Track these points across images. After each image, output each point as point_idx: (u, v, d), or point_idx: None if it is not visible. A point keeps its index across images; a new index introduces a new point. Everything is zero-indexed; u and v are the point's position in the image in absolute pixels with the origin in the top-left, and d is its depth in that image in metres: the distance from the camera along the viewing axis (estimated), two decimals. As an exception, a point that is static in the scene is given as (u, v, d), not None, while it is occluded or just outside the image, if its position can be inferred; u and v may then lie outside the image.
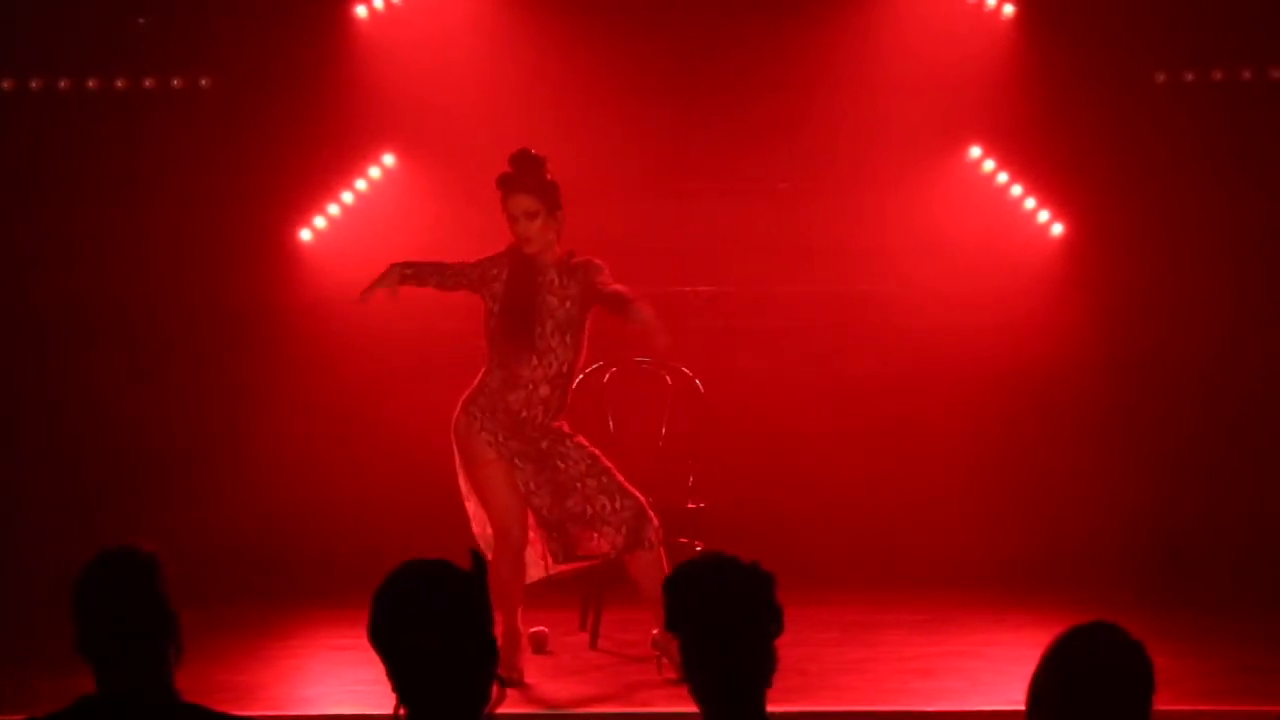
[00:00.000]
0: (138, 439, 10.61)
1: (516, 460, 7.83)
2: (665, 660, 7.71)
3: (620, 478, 7.85)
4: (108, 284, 10.79)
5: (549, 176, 7.96)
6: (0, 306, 10.80)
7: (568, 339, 7.86)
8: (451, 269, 8.04)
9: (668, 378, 9.03)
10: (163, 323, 10.77)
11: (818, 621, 8.84)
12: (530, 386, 7.84)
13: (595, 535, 7.80)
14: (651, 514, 7.81)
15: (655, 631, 7.85)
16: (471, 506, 8.01)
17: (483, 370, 7.94)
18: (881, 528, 10.44)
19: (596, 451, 7.91)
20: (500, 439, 7.83)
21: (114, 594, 4.08)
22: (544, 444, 7.85)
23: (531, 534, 7.91)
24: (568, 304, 7.85)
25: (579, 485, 7.81)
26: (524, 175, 7.92)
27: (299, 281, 10.91)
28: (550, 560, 7.93)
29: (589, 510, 7.77)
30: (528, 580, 7.91)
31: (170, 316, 10.78)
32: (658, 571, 7.67)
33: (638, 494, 7.84)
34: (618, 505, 7.77)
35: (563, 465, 7.84)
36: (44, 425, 10.71)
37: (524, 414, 7.84)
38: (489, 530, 7.93)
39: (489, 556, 7.78)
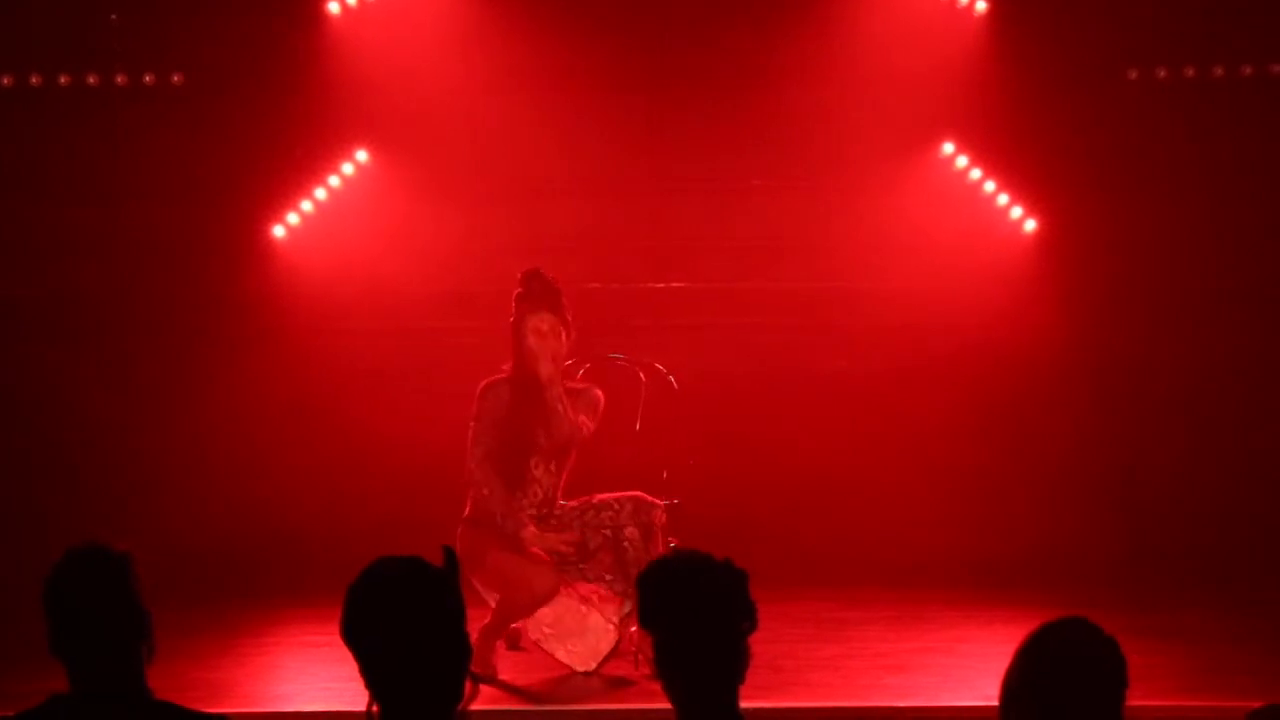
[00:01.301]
0: (108, 436, 10.59)
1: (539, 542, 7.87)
2: (642, 656, 7.72)
3: (605, 497, 7.93)
4: (79, 280, 10.76)
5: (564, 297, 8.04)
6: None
7: (552, 467, 7.96)
8: (498, 432, 7.90)
9: (641, 374, 9.03)
10: (134, 319, 10.74)
11: (791, 618, 8.84)
12: (533, 485, 7.95)
13: (625, 545, 7.82)
14: (648, 498, 7.92)
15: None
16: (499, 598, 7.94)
17: (469, 495, 7.90)
18: (855, 524, 10.44)
19: (591, 498, 7.97)
20: (502, 537, 7.83)
21: (85, 593, 4.07)
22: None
23: (580, 621, 7.89)
24: (566, 427, 7.87)
25: (576, 522, 7.89)
26: (547, 293, 7.99)
27: (272, 278, 10.89)
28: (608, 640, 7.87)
29: (602, 534, 7.84)
30: (580, 668, 7.86)
31: (142, 312, 10.75)
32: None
33: (628, 493, 7.93)
34: (615, 505, 7.86)
35: (555, 520, 7.91)
36: (14, 422, 10.67)
37: (536, 513, 7.91)
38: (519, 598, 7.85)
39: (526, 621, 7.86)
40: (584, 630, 7.86)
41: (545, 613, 7.85)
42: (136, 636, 4.09)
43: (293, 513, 10.52)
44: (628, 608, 7.71)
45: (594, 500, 7.93)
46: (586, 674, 7.80)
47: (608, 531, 7.83)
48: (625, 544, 7.79)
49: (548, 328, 7.95)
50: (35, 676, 4.37)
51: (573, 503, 7.96)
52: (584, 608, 7.86)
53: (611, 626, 7.81)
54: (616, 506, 7.86)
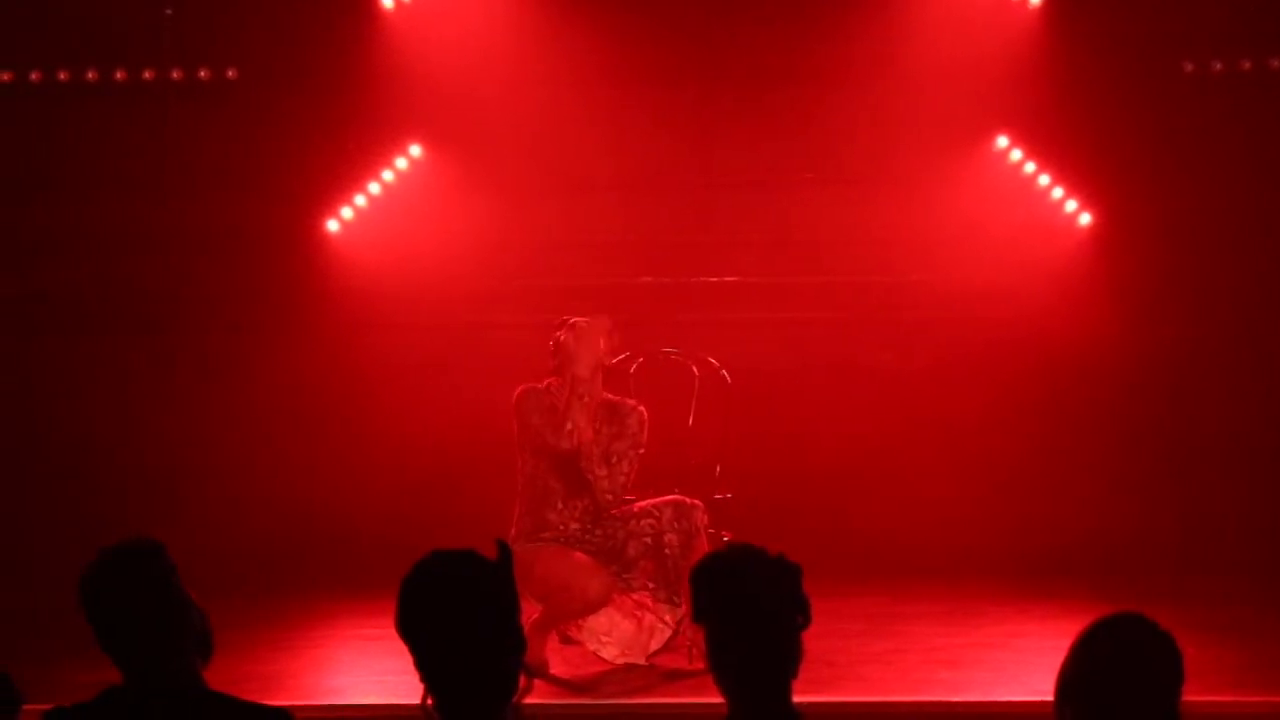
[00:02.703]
0: (163, 429, 10.62)
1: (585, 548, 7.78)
2: (695, 650, 7.71)
3: (645, 504, 7.83)
4: (133, 275, 10.80)
5: None
6: (27, 297, 10.81)
7: (612, 464, 7.82)
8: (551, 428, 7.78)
9: (694, 368, 9.02)
10: (187, 312, 10.78)
11: (844, 613, 8.82)
12: (560, 526, 7.77)
13: (663, 550, 7.76)
14: (688, 500, 7.84)
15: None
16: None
17: (518, 501, 7.83)
18: (907, 518, 10.41)
19: (632, 505, 7.86)
20: (546, 539, 7.75)
21: (121, 588, 4.08)
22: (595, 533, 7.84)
23: (635, 623, 7.84)
24: (614, 443, 7.79)
25: (620, 532, 7.79)
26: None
27: (326, 272, 10.92)
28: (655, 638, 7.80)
29: (643, 540, 7.75)
30: (620, 660, 7.82)
31: (195, 306, 10.79)
32: None
33: (667, 498, 7.85)
34: (655, 511, 7.76)
35: (601, 532, 7.79)
36: (70, 414, 10.72)
37: (562, 527, 7.78)
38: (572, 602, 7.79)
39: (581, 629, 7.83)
40: (639, 630, 7.82)
41: (600, 621, 7.81)
42: (179, 626, 4.10)
43: (344, 506, 10.55)
44: (679, 609, 7.68)
45: (635, 508, 7.83)
46: (637, 667, 7.77)
47: (648, 539, 7.76)
48: (665, 551, 7.72)
49: (590, 325, 7.81)
50: (91, 668, 4.39)
51: (615, 512, 7.87)
52: (638, 612, 7.82)
53: (664, 624, 7.79)
54: (656, 513, 7.74)
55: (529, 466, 7.78)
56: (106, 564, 4.11)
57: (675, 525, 7.72)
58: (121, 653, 4.09)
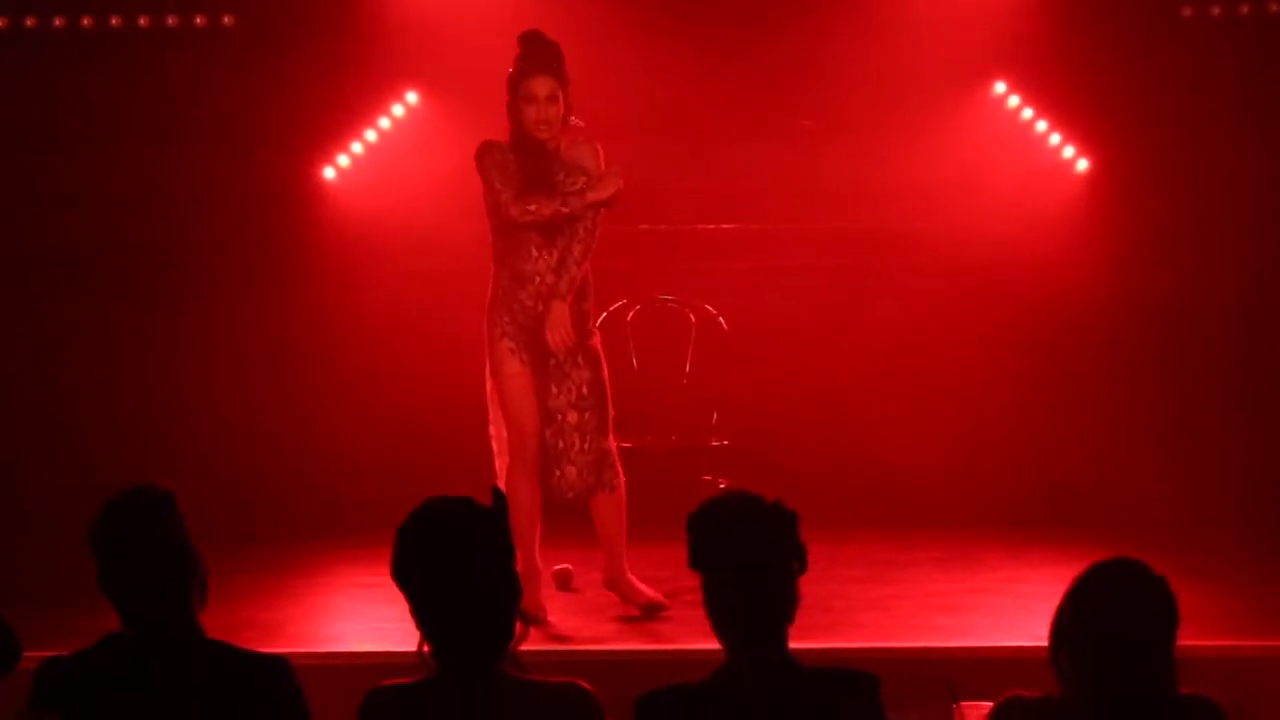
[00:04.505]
0: (162, 378, 10.62)
1: (530, 368, 7.70)
2: (627, 598, 7.72)
3: (607, 419, 7.74)
4: (130, 223, 10.77)
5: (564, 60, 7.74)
6: (24, 248, 10.79)
7: (552, 256, 7.69)
8: (517, 184, 7.64)
9: (691, 315, 9.03)
10: (184, 260, 10.76)
11: (841, 559, 8.84)
12: (536, 280, 7.70)
13: (558, 473, 7.73)
14: (616, 459, 7.77)
15: (616, 574, 7.85)
16: (493, 429, 7.94)
17: (492, 271, 7.80)
18: (906, 465, 10.42)
19: (603, 387, 7.76)
20: (518, 347, 7.71)
21: (130, 533, 4.10)
22: (552, 362, 7.71)
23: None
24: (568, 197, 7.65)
25: (559, 417, 7.72)
26: (547, 56, 7.69)
27: (323, 219, 10.90)
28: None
29: (559, 444, 7.70)
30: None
31: (192, 255, 10.77)
32: (617, 515, 7.75)
33: (611, 441, 7.78)
34: (586, 446, 7.70)
35: (555, 390, 7.72)
36: (66, 363, 10.71)
37: (539, 309, 7.68)
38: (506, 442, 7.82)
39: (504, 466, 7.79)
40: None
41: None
42: (184, 574, 4.12)
43: (342, 453, 10.56)
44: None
45: (591, 399, 7.68)
46: (634, 617, 7.74)
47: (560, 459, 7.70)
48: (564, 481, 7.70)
49: (546, 93, 7.64)
50: (90, 615, 4.40)
51: (595, 369, 7.72)
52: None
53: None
54: (585, 447, 7.66)
55: (509, 199, 7.65)
56: (117, 510, 4.12)
57: (589, 467, 7.68)
58: (126, 599, 4.10)
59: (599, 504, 7.80)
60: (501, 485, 7.76)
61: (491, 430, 7.90)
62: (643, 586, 7.79)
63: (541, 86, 7.67)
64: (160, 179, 10.76)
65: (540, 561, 7.90)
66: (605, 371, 7.84)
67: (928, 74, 10.77)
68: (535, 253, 7.70)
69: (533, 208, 7.59)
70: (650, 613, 7.68)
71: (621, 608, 7.88)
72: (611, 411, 7.81)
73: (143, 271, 10.73)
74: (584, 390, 7.71)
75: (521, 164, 7.67)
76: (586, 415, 7.70)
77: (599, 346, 7.85)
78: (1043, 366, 10.68)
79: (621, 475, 7.81)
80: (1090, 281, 10.62)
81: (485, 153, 7.70)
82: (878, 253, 10.89)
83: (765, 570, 3.98)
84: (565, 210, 7.60)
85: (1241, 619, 7.52)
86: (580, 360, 7.72)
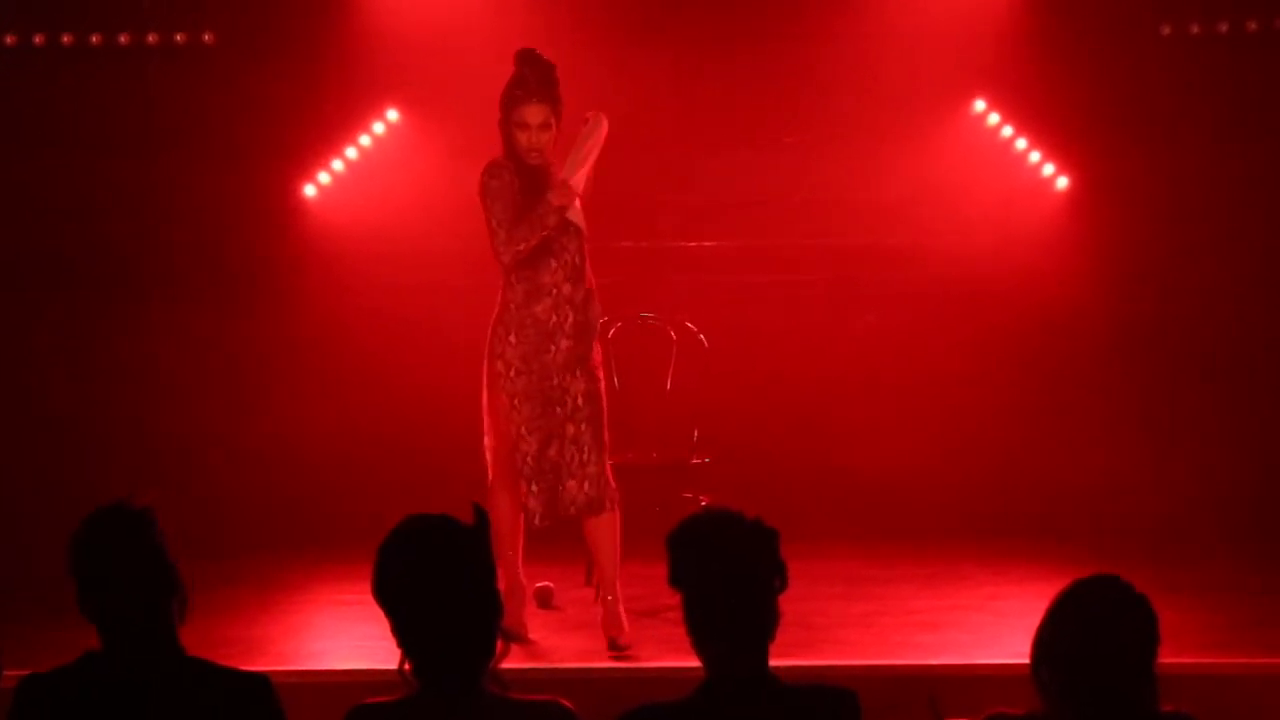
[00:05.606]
0: (143, 392, 10.60)
1: (516, 400, 7.63)
2: (606, 624, 7.64)
3: (603, 435, 7.68)
4: (109, 240, 10.76)
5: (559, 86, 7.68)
6: (2, 260, 10.78)
7: (570, 229, 7.67)
8: (517, 211, 7.58)
9: (672, 333, 9.03)
10: (165, 277, 10.75)
11: (822, 576, 8.84)
12: (554, 291, 7.66)
13: (560, 489, 7.64)
14: (612, 479, 7.71)
15: (603, 596, 7.76)
16: (488, 439, 7.84)
17: (501, 288, 7.72)
18: (887, 482, 10.43)
19: (599, 400, 7.69)
20: (512, 374, 7.65)
21: (109, 551, 4.08)
22: (555, 380, 7.66)
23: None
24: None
25: (559, 431, 7.66)
26: (543, 81, 7.64)
27: (303, 237, 10.90)
28: (528, 518, 7.72)
29: (560, 460, 7.63)
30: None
31: (172, 271, 10.76)
32: (611, 537, 7.67)
33: (607, 459, 7.72)
34: (584, 459, 7.62)
35: (559, 410, 7.66)
36: (44, 377, 10.69)
37: (554, 320, 7.65)
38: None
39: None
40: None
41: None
42: (165, 592, 4.10)
43: (325, 470, 10.55)
44: (539, 522, 7.64)
45: (590, 411, 7.62)
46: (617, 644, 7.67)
47: (563, 474, 7.66)
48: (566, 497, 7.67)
49: (539, 121, 7.59)
50: (70, 632, 4.39)
51: (594, 385, 7.68)
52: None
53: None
54: (585, 459, 7.60)
55: (509, 224, 7.58)
56: (97, 526, 4.11)
57: (590, 481, 7.61)
58: (106, 616, 4.09)
59: (593, 525, 7.70)
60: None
61: (486, 442, 7.84)
62: (625, 622, 7.67)
63: (535, 115, 7.62)
64: (141, 195, 10.75)
65: (524, 578, 7.88)
66: (602, 386, 7.79)
67: (908, 91, 10.79)
68: (553, 263, 7.66)
69: (521, 246, 7.56)
70: (615, 650, 7.55)
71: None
72: (607, 432, 7.74)
73: (124, 288, 10.71)
74: (579, 401, 7.65)
75: (523, 185, 7.62)
76: (583, 427, 7.63)
77: (599, 363, 7.82)
78: (1024, 382, 10.70)
79: (618, 497, 7.71)
80: (1071, 297, 10.64)
81: (491, 177, 7.62)
82: (859, 269, 10.91)
83: (746, 588, 3.98)
84: (551, 220, 7.57)
85: (1223, 636, 7.52)
86: (578, 372, 7.68)
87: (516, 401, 7.65)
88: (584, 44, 10.66)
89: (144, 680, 4.04)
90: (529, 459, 7.64)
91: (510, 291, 7.70)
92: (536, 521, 7.69)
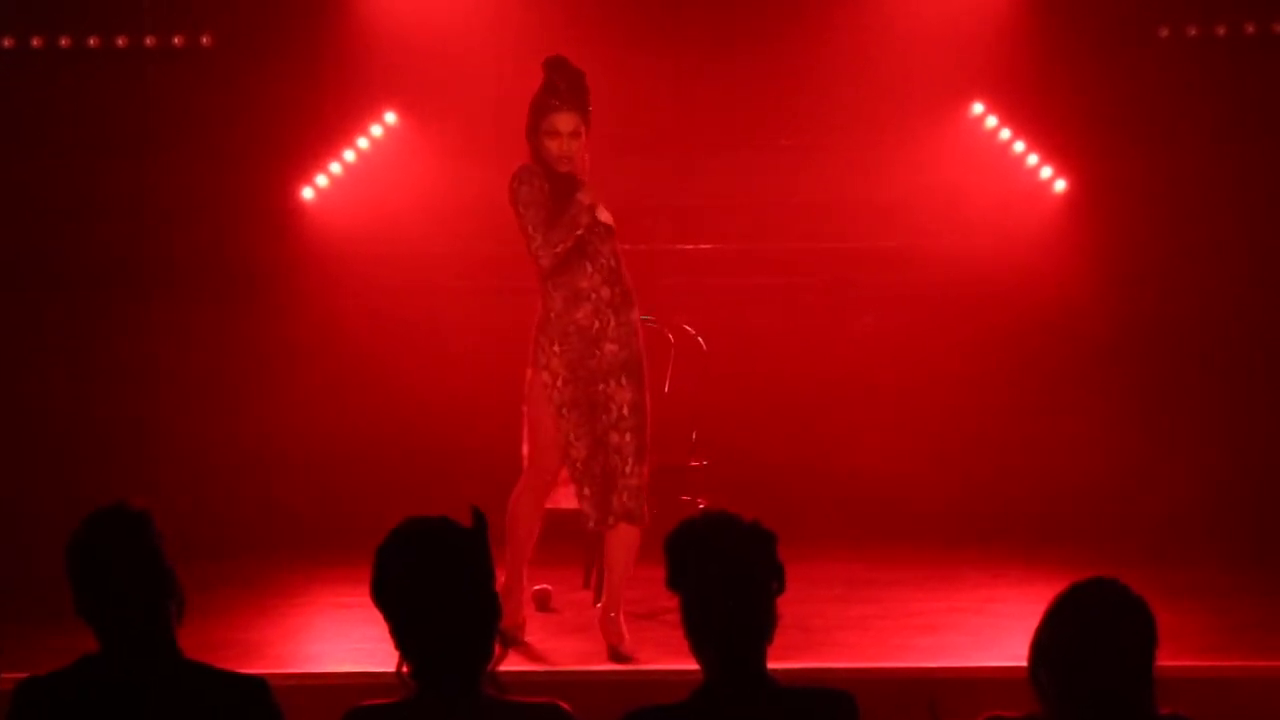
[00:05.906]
0: (139, 394, 10.60)
1: (564, 409, 7.55)
2: (607, 633, 7.58)
3: (645, 445, 7.60)
4: (108, 242, 10.77)
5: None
6: (2, 260, 10.78)
7: (600, 230, 7.61)
8: (550, 215, 7.51)
9: (670, 336, 9.03)
10: (163, 279, 10.75)
11: (820, 578, 8.83)
12: (593, 296, 7.58)
13: (609, 501, 7.58)
14: (647, 492, 7.64)
15: (606, 611, 7.66)
16: (526, 447, 7.73)
17: (540, 296, 7.63)
18: (885, 484, 10.43)
19: (643, 410, 7.61)
20: (559, 383, 7.57)
21: (106, 554, 4.07)
22: (600, 385, 7.58)
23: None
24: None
25: (605, 437, 7.58)
26: (574, 90, 7.54)
27: (301, 239, 10.90)
28: (582, 522, 7.69)
29: (609, 470, 7.56)
30: (564, 505, 7.72)
31: (172, 272, 10.76)
32: (631, 552, 7.59)
33: (647, 471, 7.65)
34: (628, 470, 7.55)
35: (604, 418, 7.57)
36: (42, 379, 10.69)
37: (596, 325, 7.56)
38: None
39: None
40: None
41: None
42: (162, 595, 4.10)
43: (323, 472, 10.54)
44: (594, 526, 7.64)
45: (636, 420, 7.56)
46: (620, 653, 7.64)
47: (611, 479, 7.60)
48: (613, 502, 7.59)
49: (569, 129, 7.49)
50: (67, 635, 4.39)
51: (638, 389, 7.61)
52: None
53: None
54: (628, 470, 7.53)
55: (542, 228, 7.50)
56: (94, 529, 4.10)
57: (630, 492, 7.54)
58: (102, 619, 4.08)
59: (619, 534, 7.62)
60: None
61: (525, 449, 7.78)
62: (625, 632, 7.64)
63: (566, 123, 7.52)
64: (139, 197, 10.75)
65: (526, 581, 7.84)
66: (647, 396, 7.70)
67: (906, 94, 10.80)
68: (589, 267, 7.60)
69: (559, 248, 7.48)
70: (616, 657, 7.52)
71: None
72: (649, 441, 7.66)
73: (124, 288, 10.72)
74: (624, 411, 7.57)
75: (554, 190, 7.56)
76: (626, 437, 7.56)
77: (644, 367, 7.74)
78: (1023, 384, 10.70)
79: (649, 515, 7.61)
80: (1069, 298, 10.65)
81: (522, 182, 7.55)
82: (857, 271, 10.91)
83: (744, 590, 3.98)
84: (584, 219, 7.52)
85: (1221, 638, 7.52)
86: (624, 379, 7.61)
87: (565, 410, 7.57)
88: (581, 46, 10.64)
89: (141, 683, 4.04)
90: (578, 464, 7.59)
91: (550, 299, 7.61)
92: (591, 525, 7.67)
